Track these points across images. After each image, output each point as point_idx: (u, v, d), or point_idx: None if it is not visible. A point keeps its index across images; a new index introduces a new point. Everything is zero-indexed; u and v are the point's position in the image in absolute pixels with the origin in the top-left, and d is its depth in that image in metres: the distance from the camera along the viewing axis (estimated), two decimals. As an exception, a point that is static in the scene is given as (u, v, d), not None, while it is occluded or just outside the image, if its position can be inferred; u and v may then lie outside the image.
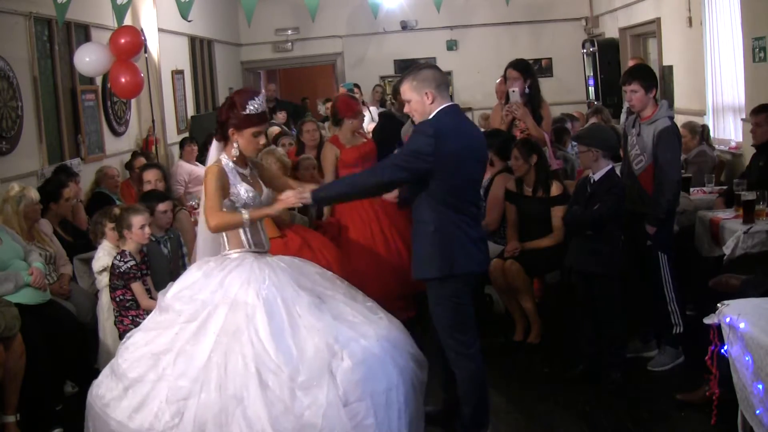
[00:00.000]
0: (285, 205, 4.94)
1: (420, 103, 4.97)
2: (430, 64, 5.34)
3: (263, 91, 4.86)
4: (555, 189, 7.08)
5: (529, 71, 7.78)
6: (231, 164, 5.05)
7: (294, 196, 4.90)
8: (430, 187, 4.85)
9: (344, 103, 8.01)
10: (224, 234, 5.00)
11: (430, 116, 4.93)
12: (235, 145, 5.02)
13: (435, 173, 4.80)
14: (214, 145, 5.15)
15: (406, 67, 9.78)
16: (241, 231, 5.00)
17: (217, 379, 4.47)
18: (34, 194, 6.71)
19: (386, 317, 5.04)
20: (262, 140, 5.11)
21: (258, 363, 4.48)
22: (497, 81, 8.99)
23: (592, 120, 10.11)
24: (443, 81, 5.08)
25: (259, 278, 4.79)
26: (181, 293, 4.87)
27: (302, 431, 4.39)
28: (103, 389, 4.79)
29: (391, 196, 5.30)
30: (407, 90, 5.01)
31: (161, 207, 6.60)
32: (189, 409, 4.46)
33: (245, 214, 4.89)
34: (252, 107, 4.93)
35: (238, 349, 4.53)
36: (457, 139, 4.85)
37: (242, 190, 5.02)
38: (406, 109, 5.16)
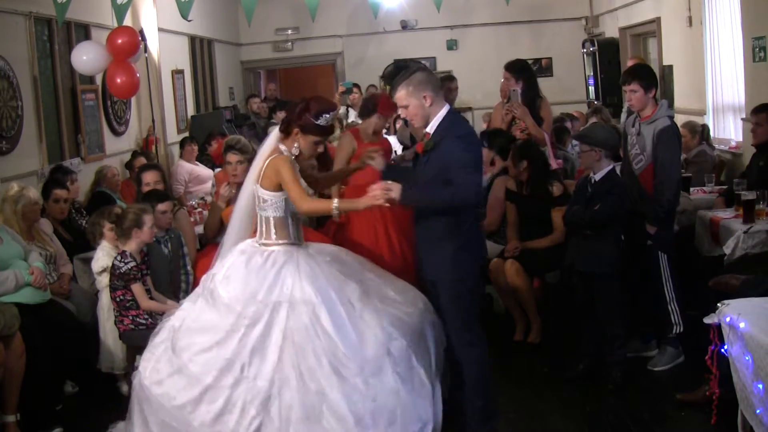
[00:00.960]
0: (372, 201, 4.86)
1: (419, 107, 4.98)
2: (419, 66, 5.31)
3: (338, 107, 5.05)
4: (556, 189, 7.08)
5: (523, 72, 7.75)
6: (292, 158, 5.17)
7: (381, 192, 4.79)
8: None
9: (387, 101, 7.86)
10: (272, 225, 5.10)
11: (438, 118, 4.98)
12: (296, 144, 5.15)
13: None
14: (275, 135, 5.27)
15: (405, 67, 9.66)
16: (289, 224, 5.14)
17: (296, 377, 4.66)
18: (33, 194, 6.68)
19: (417, 293, 5.30)
20: (321, 148, 5.30)
21: (330, 357, 4.69)
22: (502, 80, 8.99)
23: (592, 120, 10.11)
24: (437, 82, 5.12)
25: (310, 274, 4.94)
26: (241, 294, 4.94)
27: (379, 414, 4.66)
28: (172, 389, 4.84)
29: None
30: (404, 96, 5.00)
31: (161, 207, 6.61)
32: (273, 409, 4.64)
33: (336, 203, 5.03)
34: (323, 121, 5.10)
35: (309, 347, 4.72)
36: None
37: (303, 184, 5.14)
38: (403, 115, 5.15)
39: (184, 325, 5.06)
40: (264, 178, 5.07)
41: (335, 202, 5.04)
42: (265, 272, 4.95)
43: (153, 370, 4.97)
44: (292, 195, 5.02)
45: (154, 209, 6.56)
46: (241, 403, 4.66)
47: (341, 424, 4.61)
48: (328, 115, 5.11)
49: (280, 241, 5.11)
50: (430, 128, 5.02)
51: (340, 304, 4.86)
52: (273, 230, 5.11)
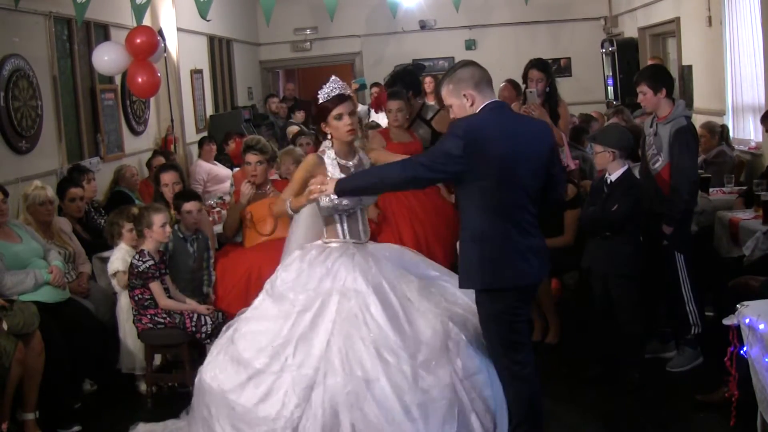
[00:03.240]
0: (310, 196, 4.77)
1: (461, 107, 4.62)
2: (467, 61, 4.82)
3: (333, 76, 4.87)
4: (569, 191, 7.00)
5: (549, 70, 7.73)
6: (333, 155, 5.06)
7: (316, 188, 4.70)
8: (473, 191, 4.54)
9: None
10: (324, 225, 5.09)
11: None
12: (329, 136, 5.06)
13: (474, 176, 4.47)
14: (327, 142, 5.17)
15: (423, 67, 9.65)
16: (337, 223, 5.05)
17: (341, 363, 4.55)
18: (41, 193, 6.67)
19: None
20: (347, 120, 4.97)
21: (378, 345, 4.57)
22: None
23: (613, 120, 10.07)
24: (483, 77, 4.64)
25: (365, 267, 4.87)
26: (293, 283, 4.94)
27: (428, 406, 4.48)
28: (223, 376, 4.82)
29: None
30: (446, 95, 4.68)
31: (187, 206, 6.61)
32: (316, 396, 4.53)
33: (288, 203, 4.99)
34: (322, 95, 4.98)
35: (356, 334, 4.62)
36: (501, 139, 4.45)
37: None
38: (451, 115, 4.78)
39: (245, 316, 5.08)
40: None
41: (288, 201, 5.01)
42: (319, 264, 4.94)
43: (211, 362, 4.98)
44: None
45: (181, 208, 6.58)
46: (284, 390, 4.58)
47: (385, 413, 4.43)
48: (323, 88, 4.96)
49: (332, 240, 5.06)
50: None
51: (396, 298, 4.76)
52: (324, 230, 5.10)
